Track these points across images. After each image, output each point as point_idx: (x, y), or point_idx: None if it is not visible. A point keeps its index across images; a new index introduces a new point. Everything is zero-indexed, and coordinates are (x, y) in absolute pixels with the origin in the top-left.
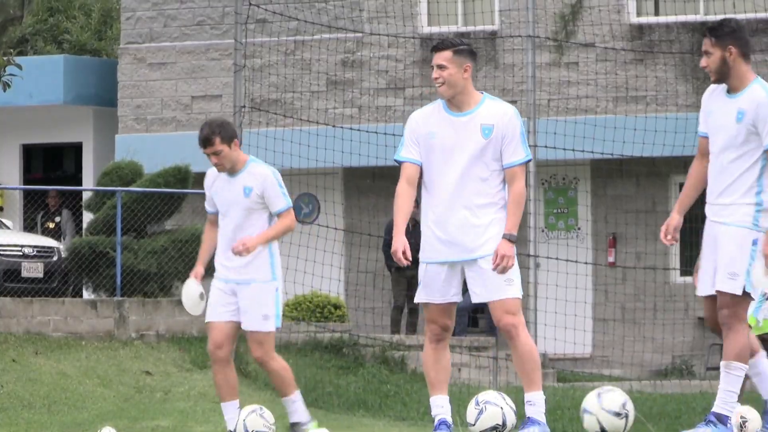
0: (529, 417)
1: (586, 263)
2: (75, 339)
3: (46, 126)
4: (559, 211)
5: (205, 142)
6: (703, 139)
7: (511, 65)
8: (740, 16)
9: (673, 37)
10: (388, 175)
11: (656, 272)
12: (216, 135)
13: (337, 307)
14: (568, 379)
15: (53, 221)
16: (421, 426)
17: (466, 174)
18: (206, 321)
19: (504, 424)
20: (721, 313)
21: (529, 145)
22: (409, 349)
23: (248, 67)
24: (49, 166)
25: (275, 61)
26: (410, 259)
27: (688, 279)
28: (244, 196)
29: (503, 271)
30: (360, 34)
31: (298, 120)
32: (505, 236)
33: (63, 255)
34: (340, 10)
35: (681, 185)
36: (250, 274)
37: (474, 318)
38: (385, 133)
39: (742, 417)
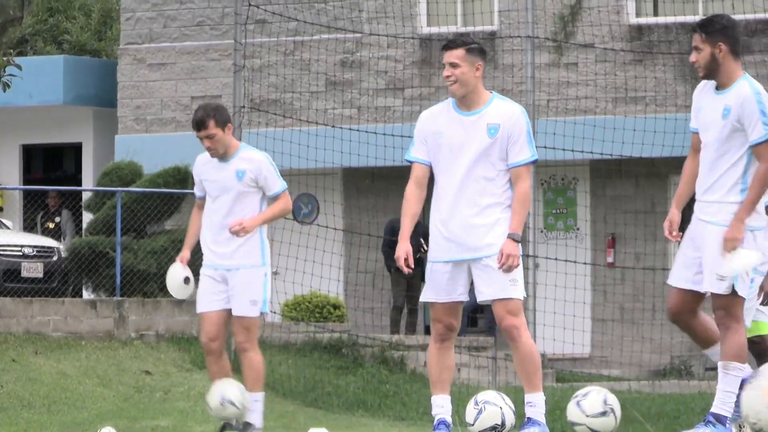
0: (529, 417)
1: (585, 263)
2: (75, 339)
3: (46, 126)
4: (558, 211)
5: (199, 124)
6: (695, 135)
7: (510, 66)
8: (739, 17)
9: (672, 37)
10: (388, 176)
11: (655, 273)
12: (210, 118)
13: (336, 307)
14: (567, 379)
15: (53, 221)
16: (420, 426)
17: (471, 173)
18: (198, 311)
19: (503, 424)
20: (717, 315)
21: None
22: (408, 350)
23: (248, 68)
24: (49, 166)
25: (275, 62)
26: (412, 267)
27: None
28: (237, 179)
29: (509, 270)
30: (359, 35)
31: (297, 120)
32: (509, 236)
33: (63, 255)
34: (340, 11)
35: None
36: (239, 260)
37: (473, 318)
38: (385, 134)
39: None
